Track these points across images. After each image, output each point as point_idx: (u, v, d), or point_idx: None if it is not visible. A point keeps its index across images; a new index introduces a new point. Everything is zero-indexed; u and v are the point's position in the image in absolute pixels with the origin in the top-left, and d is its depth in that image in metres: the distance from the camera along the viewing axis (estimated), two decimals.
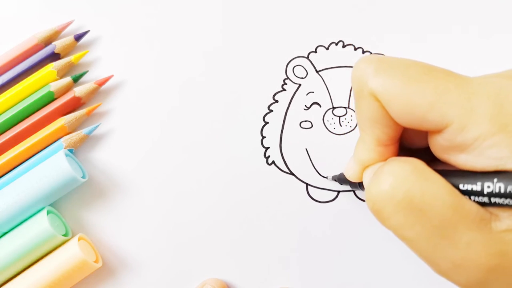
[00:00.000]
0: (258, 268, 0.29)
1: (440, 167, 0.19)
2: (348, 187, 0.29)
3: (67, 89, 0.31)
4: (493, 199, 0.17)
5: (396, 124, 0.20)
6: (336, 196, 0.29)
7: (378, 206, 0.18)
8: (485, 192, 0.17)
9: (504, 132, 0.16)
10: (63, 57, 0.32)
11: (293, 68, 0.31)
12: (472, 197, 0.17)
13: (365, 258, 0.29)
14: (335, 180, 0.29)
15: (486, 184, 0.17)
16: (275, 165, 0.30)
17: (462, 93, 0.17)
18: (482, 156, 0.17)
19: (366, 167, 0.22)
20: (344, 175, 0.27)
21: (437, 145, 0.19)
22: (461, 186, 0.18)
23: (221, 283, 0.28)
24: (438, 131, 0.18)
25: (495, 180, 0.17)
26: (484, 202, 0.17)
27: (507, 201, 0.16)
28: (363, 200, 0.29)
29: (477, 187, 0.17)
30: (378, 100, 0.19)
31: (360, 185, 0.25)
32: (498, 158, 0.17)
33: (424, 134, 0.21)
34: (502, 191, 0.16)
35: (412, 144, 0.23)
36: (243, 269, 0.29)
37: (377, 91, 0.19)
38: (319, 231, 0.29)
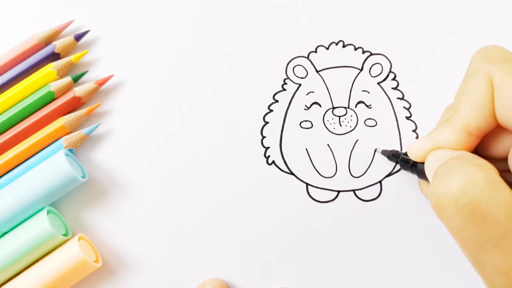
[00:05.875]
0: (258, 268, 0.29)
1: None
2: (349, 187, 0.29)
3: (67, 89, 0.31)
4: None
5: (493, 118, 0.20)
6: (336, 196, 0.29)
7: (441, 204, 0.18)
8: None
9: None
10: (63, 57, 0.32)
11: (293, 68, 0.31)
12: None
13: (364, 258, 0.29)
14: (385, 155, 0.29)
15: None
16: (275, 165, 0.30)
17: None
18: None
19: (435, 148, 0.22)
20: (397, 152, 0.28)
21: None
22: None
23: (221, 283, 0.28)
24: None
25: None
26: None
27: None
28: (363, 200, 0.29)
29: None
30: (491, 85, 0.19)
31: (412, 167, 0.25)
32: None
33: (506, 145, 0.21)
34: None
35: (487, 150, 0.23)
36: (243, 269, 0.29)
37: (496, 75, 0.19)
38: (319, 231, 0.29)
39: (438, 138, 0.22)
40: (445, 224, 0.19)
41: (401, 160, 0.27)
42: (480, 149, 0.23)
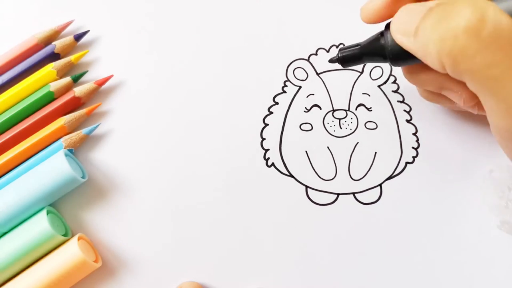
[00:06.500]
0: (258, 270, 0.29)
1: None
2: (349, 190, 0.29)
3: (67, 89, 0.31)
4: None
5: None
6: (336, 199, 0.29)
7: (460, 44, 0.16)
8: None
9: None
10: (63, 57, 0.32)
11: (293, 70, 0.31)
12: None
13: (364, 262, 0.29)
14: (337, 60, 0.27)
15: None
16: (275, 167, 0.30)
17: None
18: None
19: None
20: (348, 51, 0.26)
21: None
22: None
23: (197, 285, 0.28)
24: None
25: None
26: None
27: None
28: (363, 203, 0.29)
29: None
30: None
31: (374, 46, 0.24)
32: None
33: None
34: None
35: None
36: (242, 271, 0.29)
37: None
38: (318, 233, 0.29)
39: None
40: (466, 71, 0.17)
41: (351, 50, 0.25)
42: None
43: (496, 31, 0.16)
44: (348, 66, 0.27)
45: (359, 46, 0.26)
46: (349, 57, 0.26)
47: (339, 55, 0.26)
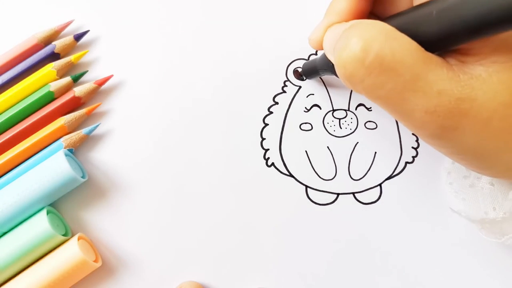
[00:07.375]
0: (258, 270, 0.29)
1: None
2: (349, 190, 0.29)
3: (67, 89, 0.31)
4: None
5: None
6: (336, 199, 0.29)
7: (350, 71, 0.19)
8: None
9: None
10: (63, 57, 0.32)
11: (293, 70, 0.31)
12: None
13: (363, 261, 0.29)
14: (302, 76, 0.30)
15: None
16: (275, 167, 0.30)
17: None
18: None
19: (329, 26, 0.24)
20: (307, 65, 0.29)
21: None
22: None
23: (197, 285, 0.28)
24: None
25: None
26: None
27: None
28: (363, 203, 0.29)
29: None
30: None
31: (322, 68, 0.26)
32: None
33: (399, 5, 0.23)
34: None
35: (383, 9, 0.24)
36: (242, 271, 0.29)
37: None
38: (318, 233, 0.29)
39: (331, 12, 0.24)
40: (362, 90, 0.20)
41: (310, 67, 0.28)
42: (379, 17, 0.24)
43: (378, 59, 0.18)
44: (310, 78, 0.30)
45: (315, 61, 0.28)
46: (308, 71, 0.30)
47: (301, 70, 0.30)
